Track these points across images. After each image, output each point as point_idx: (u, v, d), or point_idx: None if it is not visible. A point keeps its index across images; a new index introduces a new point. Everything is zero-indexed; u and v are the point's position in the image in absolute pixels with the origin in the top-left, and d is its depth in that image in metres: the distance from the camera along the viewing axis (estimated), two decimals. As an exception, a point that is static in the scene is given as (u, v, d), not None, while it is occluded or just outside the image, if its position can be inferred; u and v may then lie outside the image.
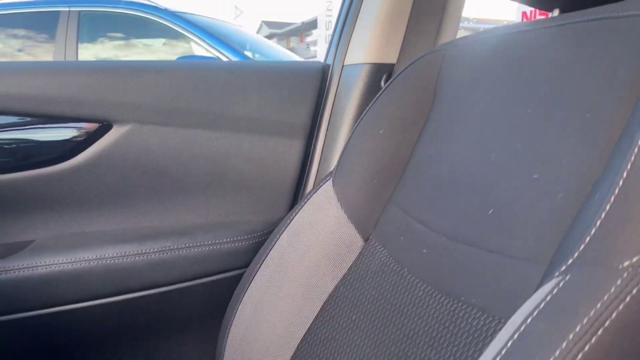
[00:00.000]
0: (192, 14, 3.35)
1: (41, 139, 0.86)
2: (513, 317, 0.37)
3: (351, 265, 0.72)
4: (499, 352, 0.35)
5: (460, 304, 0.52)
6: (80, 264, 0.81)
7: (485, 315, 0.49)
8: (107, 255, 0.82)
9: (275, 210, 0.94)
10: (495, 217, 0.53)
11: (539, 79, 0.53)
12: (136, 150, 0.86)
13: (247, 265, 0.81)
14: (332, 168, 0.84)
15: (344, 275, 0.72)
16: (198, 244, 0.86)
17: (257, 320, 0.74)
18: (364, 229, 0.73)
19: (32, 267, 0.80)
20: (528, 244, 0.48)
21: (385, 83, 0.87)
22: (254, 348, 0.74)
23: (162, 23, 3.25)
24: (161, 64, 0.93)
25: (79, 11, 3.23)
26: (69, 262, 0.81)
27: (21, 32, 3.26)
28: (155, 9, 3.25)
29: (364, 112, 0.76)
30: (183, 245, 0.85)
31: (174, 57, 3.28)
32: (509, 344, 0.35)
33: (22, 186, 0.84)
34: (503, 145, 0.55)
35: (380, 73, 0.88)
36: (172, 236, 0.86)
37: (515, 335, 0.35)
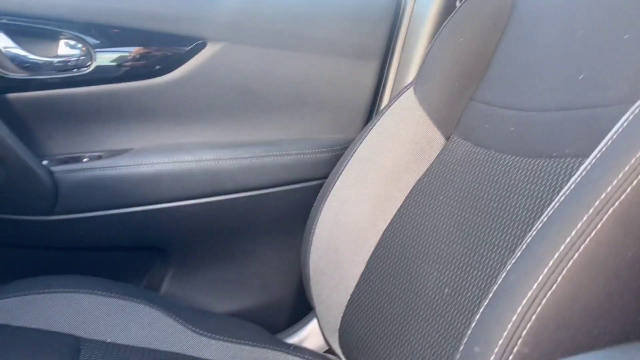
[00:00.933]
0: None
1: (140, 53, 0.93)
2: None
3: (434, 160, 0.78)
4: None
5: (553, 159, 0.57)
6: (180, 165, 0.89)
7: (581, 159, 0.54)
8: (204, 158, 0.90)
9: (351, 129, 1.00)
10: (587, 79, 0.58)
11: None
12: (227, 68, 0.94)
13: (326, 177, 0.88)
14: (401, 89, 0.89)
15: (427, 169, 0.78)
16: (284, 152, 0.93)
17: (342, 214, 0.80)
18: (445, 128, 0.78)
19: (138, 164, 0.88)
20: (623, 91, 0.53)
21: (460, 1, 0.93)
22: (341, 239, 0.80)
23: None
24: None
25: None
26: (170, 162, 0.89)
27: None
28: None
29: (443, 25, 0.82)
30: (271, 153, 0.92)
31: None
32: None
33: (121, 97, 0.92)
34: (588, 20, 0.61)
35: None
36: (262, 145, 0.93)
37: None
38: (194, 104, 0.94)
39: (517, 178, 0.61)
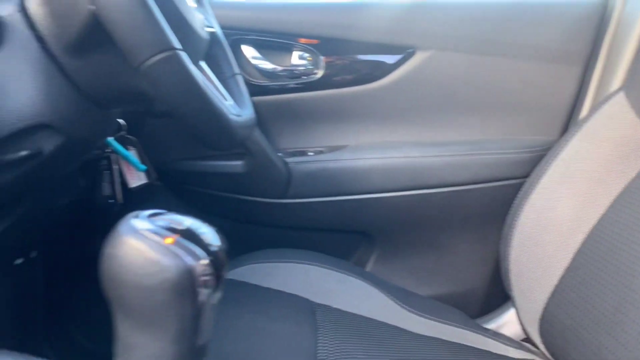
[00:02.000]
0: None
1: (358, 62, 1.06)
2: None
3: None
4: None
5: None
6: (389, 160, 1.00)
7: None
8: (410, 155, 1.00)
9: (551, 131, 1.04)
10: None
11: None
12: (433, 73, 1.03)
13: (527, 176, 0.92)
14: (610, 93, 0.90)
15: (637, 174, 0.80)
16: (486, 151, 1.00)
17: (546, 212, 0.85)
18: None
19: (353, 159, 1.01)
20: None
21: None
22: (544, 235, 0.84)
23: None
24: (458, 2, 1.08)
25: None
26: (380, 158, 1.00)
27: None
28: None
29: None
30: (473, 152, 1.00)
31: None
32: None
33: (340, 100, 1.05)
34: None
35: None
36: (463, 144, 1.01)
37: None
38: (401, 106, 1.05)
39: None
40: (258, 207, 1.04)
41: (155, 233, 0.28)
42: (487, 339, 0.87)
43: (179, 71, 0.49)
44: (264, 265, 0.91)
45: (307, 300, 0.85)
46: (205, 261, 0.29)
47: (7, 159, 0.57)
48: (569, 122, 1.04)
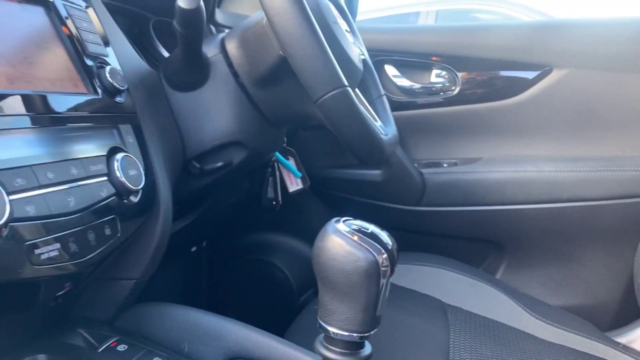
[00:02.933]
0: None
1: (495, 79, 1.12)
2: None
3: None
4: None
5: None
6: (523, 174, 1.05)
7: None
8: (544, 169, 1.04)
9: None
10: None
11: None
12: (570, 91, 1.06)
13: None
14: None
15: None
16: (622, 168, 1.01)
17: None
18: None
19: (487, 171, 1.07)
20: None
21: None
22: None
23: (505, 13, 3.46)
24: (586, 21, 1.10)
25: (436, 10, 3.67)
26: (514, 171, 1.06)
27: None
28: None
29: None
30: (608, 168, 1.01)
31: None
32: None
33: (475, 115, 1.12)
34: None
35: None
36: (598, 160, 1.03)
37: None
38: (536, 121, 1.09)
39: None
40: (394, 213, 1.14)
41: (352, 233, 0.39)
42: (616, 351, 0.89)
43: (347, 105, 0.61)
44: (399, 267, 1.01)
45: (439, 301, 0.94)
46: (384, 255, 0.40)
47: (207, 168, 0.73)
48: None
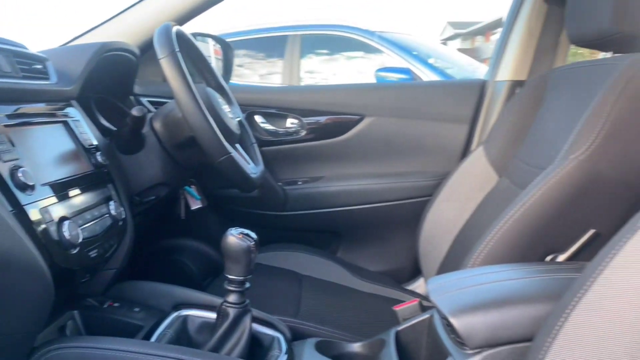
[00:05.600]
0: (388, 32, 4.12)
1: (328, 124, 1.66)
2: None
3: (488, 192, 1.38)
4: None
5: None
6: (351, 186, 1.61)
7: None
8: (362, 182, 1.61)
9: (448, 166, 1.63)
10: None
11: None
12: (376, 131, 1.63)
13: (431, 195, 1.51)
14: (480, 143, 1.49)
15: (485, 196, 1.39)
16: (408, 179, 1.60)
17: (438, 215, 1.44)
18: (499, 171, 1.37)
19: (327, 186, 1.62)
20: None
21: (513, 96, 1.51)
22: (438, 231, 1.44)
23: (361, 40, 4.08)
24: (385, 85, 1.68)
25: (301, 34, 4.22)
26: (345, 184, 1.61)
27: (255, 52, 4.36)
28: (358, 30, 4.09)
29: (504, 106, 1.41)
30: (400, 180, 1.60)
31: (370, 68, 4.08)
32: None
33: (317, 148, 1.66)
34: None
35: (513, 88, 1.52)
36: (392, 175, 1.62)
37: None
38: (357, 151, 1.65)
39: None
40: (267, 217, 1.64)
41: (239, 234, 0.87)
42: (405, 294, 1.47)
43: (232, 165, 1.09)
44: (270, 254, 1.51)
45: (296, 272, 1.46)
46: (252, 243, 0.89)
47: (144, 200, 1.18)
48: (460, 159, 1.64)
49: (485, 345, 0.73)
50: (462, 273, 0.92)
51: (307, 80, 4.30)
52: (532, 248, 1.01)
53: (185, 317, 0.97)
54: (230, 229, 0.89)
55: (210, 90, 1.24)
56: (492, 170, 1.38)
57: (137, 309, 0.96)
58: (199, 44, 1.42)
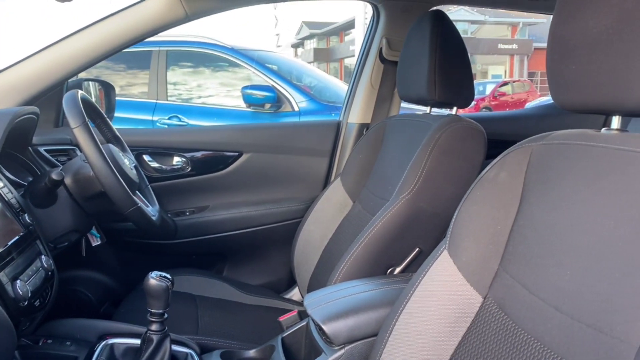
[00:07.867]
0: (251, 49, 4.39)
1: (210, 159, 1.92)
2: None
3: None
4: None
5: None
6: (232, 214, 1.88)
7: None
8: (243, 210, 1.89)
9: (313, 193, 1.97)
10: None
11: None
12: (252, 165, 1.92)
13: (302, 217, 1.83)
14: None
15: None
16: (280, 205, 1.91)
17: (307, 234, 1.77)
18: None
19: (212, 215, 1.87)
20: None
21: (361, 136, 1.89)
22: (309, 247, 1.77)
23: (226, 57, 4.31)
24: (259, 125, 1.97)
25: (167, 50, 4.34)
26: (227, 213, 1.88)
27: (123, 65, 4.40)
28: (222, 47, 4.31)
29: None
30: (274, 207, 1.91)
31: (234, 82, 4.33)
32: None
33: (202, 182, 1.91)
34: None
35: (362, 129, 1.90)
36: (266, 203, 1.92)
37: None
38: (237, 182, 1.93)
39: None
40: (162, 245, 1.85)
41: (158, 276, 1.10)
42: (284, 302, 1.78)
43: (139, 212, 1.31)
44: (167, 278, 1.73)
45: (189, 294, 1.70)
46: (169, 283, 1.12)
47: (59, 246, 1.35)
48: (323, 187, 1.99)
49: (347, 342, 1.05)
50: (328, 289, 1.24)
51: (171, 91, 4.43)
52: (377, 264, 1.37)
53: (112, 345, 1.18)
54: (150, 272, 1.12)
55: (112, 147, 1.44)
56: (347, 197, 1.74)
57: (68, 343, 1.15)
58: (88, 85, 1.62)
